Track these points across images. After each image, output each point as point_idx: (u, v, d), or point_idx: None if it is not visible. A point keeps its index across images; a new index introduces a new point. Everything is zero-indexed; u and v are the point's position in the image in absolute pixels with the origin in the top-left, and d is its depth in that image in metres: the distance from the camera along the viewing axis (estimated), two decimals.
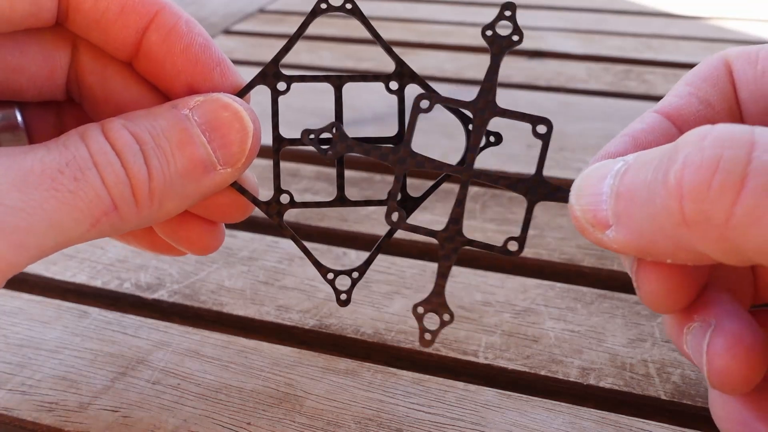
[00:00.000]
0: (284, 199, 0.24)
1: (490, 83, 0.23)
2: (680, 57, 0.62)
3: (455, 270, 0.34)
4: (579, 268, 0.34)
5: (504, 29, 0.23)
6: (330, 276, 0.24)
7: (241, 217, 0.24)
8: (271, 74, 0.23)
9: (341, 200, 0.24)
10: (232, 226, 0.37)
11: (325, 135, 0.22)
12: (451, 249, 0.23)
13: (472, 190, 0.41)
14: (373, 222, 0.38)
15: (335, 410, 0.26)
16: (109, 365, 0.28)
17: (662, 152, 0.17)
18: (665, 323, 0.21)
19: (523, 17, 0.72)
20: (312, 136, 0.22)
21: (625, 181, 0.18)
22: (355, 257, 0.35)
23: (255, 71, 0.24)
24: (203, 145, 0.21)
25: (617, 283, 0.33)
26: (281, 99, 0.24)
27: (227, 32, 0.68)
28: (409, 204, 0.25)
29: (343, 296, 0.24)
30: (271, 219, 0.24)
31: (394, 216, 0.23)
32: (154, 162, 0.20)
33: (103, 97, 0.23)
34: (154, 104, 0.22)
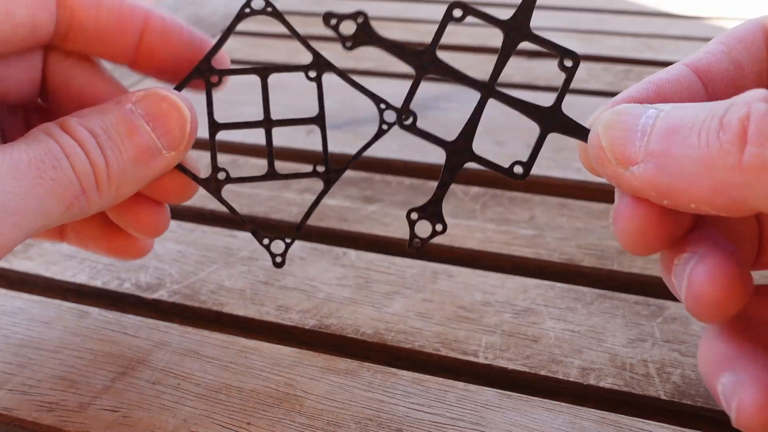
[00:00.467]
0: (221, 176, 0.26)
1: (527, 4, 0.23)
2: (680, 57, 0.61)
3: (455, 270, 0.34)
4: (579, 268, 0.34)
5: None
6: (266, 241, 0.26)
7: (186, 196, 0.27)
8: (205, 69, 0.26)
9: (272, 174, 0.26)
10: (232, 227, 0.37)
11: (348, 23, 0.23)
12: (457, 161, 0.23)
13: (472, 190, 0.41)
14: (373, 222, 0.38)
15: (335, 410, 0.26)
16: (109, 365, 0.28)
17: (717, 103, 0.18)
18: (660, 260, 0.21)
19: None
20: (334, 21, 0.23)
21: (670, 122, 0.19)
22: (355, 257, 0.35)
23: None
24: (148, 134, 0.23)
25: (617, 283, 0.33)
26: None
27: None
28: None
29: (278, 259, 0.26)
30: (210, 194, 0.26)
31: (407, 119, 0.23)
32: (109, 152, 0.23)
33: (69, 95, 0.26)
34: (115, 97, 0.25)
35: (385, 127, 0.25)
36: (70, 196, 0.22)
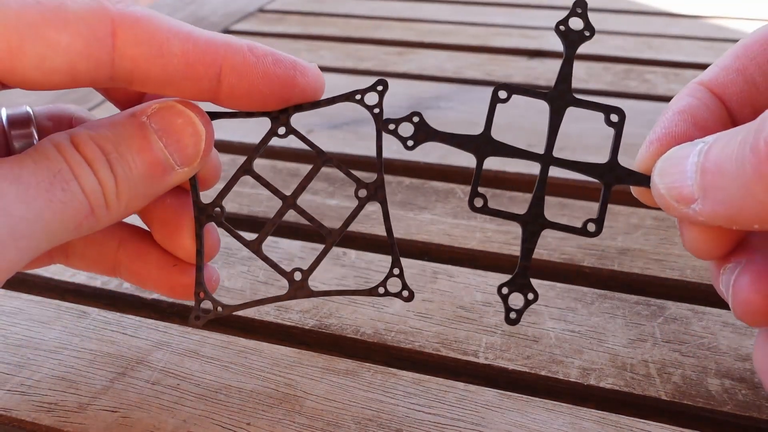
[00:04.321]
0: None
1: (564, 75, 0.24)
2: (681, 56, 0.62)
3: (455, 270, 0.34)
4: (579, 268, 0.34)
5: (576, 24, 0.24)
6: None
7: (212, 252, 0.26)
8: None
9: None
10: (234, 226, 0.37)
11: (406, 125, 0.24)
12: (532, 231, 0.24)
13: None
14: (373, 222, 0.38)
15: (335, 410, 0.26)
16: (109, 365, 0.28)
17: (747, 128, 0.19)
18: (710, 268, 0.24)
19: (523, 16, 0.72)
20: (393, 126, 0.24)
21: (711, 157, 0.20)
22: (354, 257, 0.35)
23: None
24: (161, 150, 0.22)
25: (617, 283, 0.33)
26: None
27: (227, 32, 0.68)
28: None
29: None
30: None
31: (477, 201, 0.24)
32: (119, 169, 0.22)
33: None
34: (130, 108, 0.23)
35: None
36: (78, 216, 0.21)
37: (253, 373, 0.28)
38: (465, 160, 0.44)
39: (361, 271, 0.34)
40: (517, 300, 0.24)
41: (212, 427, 0.26)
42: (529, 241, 0.24)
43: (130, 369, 0.28)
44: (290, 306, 0.32)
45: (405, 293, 0.24)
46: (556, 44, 0.63)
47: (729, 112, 0.24)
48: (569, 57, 0.24)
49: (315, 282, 0.33)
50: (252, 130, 0.25)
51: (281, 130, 0.24)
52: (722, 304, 0.31)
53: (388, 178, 0.42)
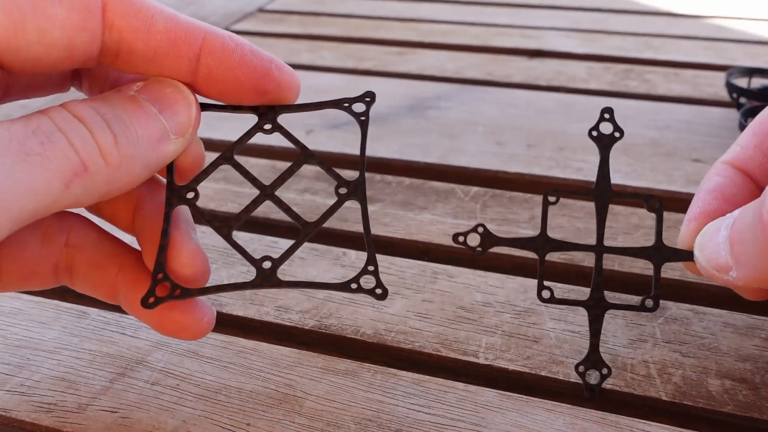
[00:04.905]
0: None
1: (604, 173, 0.28)
2: (681, 56, 0.62)
3: (455, 270, 0.34)
4: (580, 268, 0.34)
5: (606, 129, 0.28)
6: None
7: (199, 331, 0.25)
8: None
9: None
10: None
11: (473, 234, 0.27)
12: (596, 314, 0.27)
13: (472, 190, 0.41)
14: (373, 222, 0.38)
15: (335, 411, 0.26)
16: (108, 366, 0.28)
17: (758, 200, 0.22)
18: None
19: (523, 16, 0.72)
20: (462, 238, 0.27)
21: (735, 230, 0.24)
22: (354, 257, 0.35)
23: None
24: (157, 116, 0.22)
25: (618, 283, 0.33)
26: None
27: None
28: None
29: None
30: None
31: (545, 294, 0.27)
32: (117, 128, 0.21)
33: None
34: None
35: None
36: (66, 172, 0.20)
37: (252, 373, 0.28)
38: (465, 160, 0.44)
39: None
40: (593, 375, 0.27)
41: (212, 428, 0.25)
42: (596, 322, 0.27)
43: (129, 369, 0.28)
44: (290, 306, 0.32)
45: (378, 291, 0.24)
46: (557, 44, 0.63)
47: (756, 184, 0.27)
48: (605, 158, 0.28)
49: (315, 281, 0.33)
50: (241, 130, 0.25)
51: (267, 126, 0.25)
52: (723, 305, 0.31)
53: (388, 178, 0.42)
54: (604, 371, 0.27)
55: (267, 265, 0.24)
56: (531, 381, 0.28)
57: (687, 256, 0.26)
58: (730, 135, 0.47)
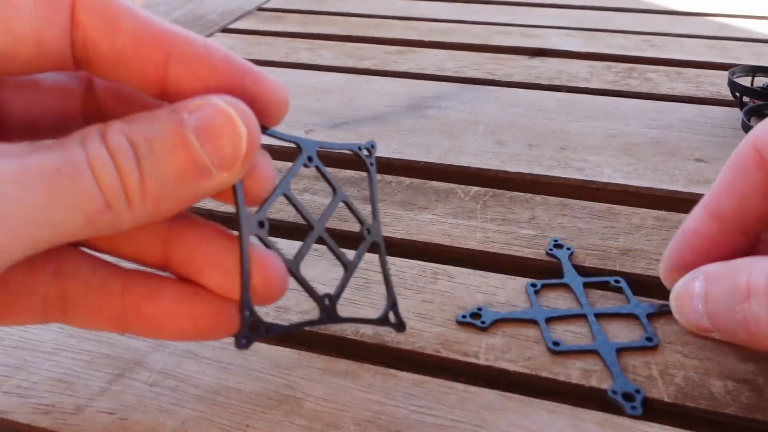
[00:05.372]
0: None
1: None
2: (683, 55, 0.61)
3: (455, 270, 0.34)
4: (582, 268, 0.34)
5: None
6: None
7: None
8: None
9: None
10: (230, 227, 0.37)
11: None
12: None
13: (472, 190, 0.41)
14: None
15: (335, 412, 0.26)
16: (106, 367, 0.28)
17: (730, 268, 0.26)
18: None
19: (524, 15, 0.72)
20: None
21: (707, 292, 0.26)
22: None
23: None
24: (196, 149, 0.21)
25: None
26: None
27: (225, 30, 0.68)
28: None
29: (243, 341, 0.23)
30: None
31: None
32: (146, 165, 0.20)
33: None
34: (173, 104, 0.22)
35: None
36: (89, 210, 0.20)
37: (252, 374, 0.28)
38: (465, 159, 0.44)
39: (360, 272, 0.34)
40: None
41: (211, 429, 0.25)
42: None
43: (128, 370, 0.28)
44: (290, 307, 0.32)
45: (399, 326, 0.28)
46: (559, 43, 0.63)
47: (730, 230, 0.28)
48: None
49: (315, 282, 0.33)
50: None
51: (308, 163, 0.26)
52: None
53: (387, 177, 0.42)
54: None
55: (326, 301, 0.26)
56: (532, 382, 0.28)
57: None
58: (732, 134, 0.47)
